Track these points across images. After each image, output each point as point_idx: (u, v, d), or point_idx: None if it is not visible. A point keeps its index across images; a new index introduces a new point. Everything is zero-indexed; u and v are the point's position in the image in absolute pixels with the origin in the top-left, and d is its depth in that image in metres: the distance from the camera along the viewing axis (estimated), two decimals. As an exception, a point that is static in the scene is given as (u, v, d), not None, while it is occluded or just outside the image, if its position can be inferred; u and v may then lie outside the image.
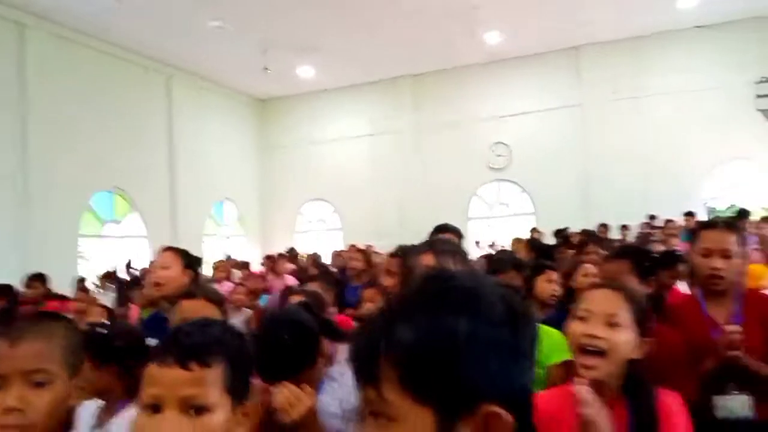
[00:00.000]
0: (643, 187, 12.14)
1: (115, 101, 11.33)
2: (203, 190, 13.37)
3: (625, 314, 1.65)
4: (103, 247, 11.40)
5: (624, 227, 10.92)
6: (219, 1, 9.85)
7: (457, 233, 3.69)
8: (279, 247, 13.00)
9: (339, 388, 1.94)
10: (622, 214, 11.21)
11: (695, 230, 2.60)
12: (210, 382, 1.02)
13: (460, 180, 13.81)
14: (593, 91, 12.87)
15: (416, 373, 0.65)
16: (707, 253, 2.36)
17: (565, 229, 9.80)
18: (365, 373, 0.67)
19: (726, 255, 2.34)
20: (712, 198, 12.04)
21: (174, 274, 2.82)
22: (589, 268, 3.16)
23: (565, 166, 12.99)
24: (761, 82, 11.74)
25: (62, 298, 6.68)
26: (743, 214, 8.59)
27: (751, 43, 11.72)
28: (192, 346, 1.03)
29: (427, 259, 1.64)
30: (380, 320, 0.69)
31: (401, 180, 14.23)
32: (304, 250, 12.95)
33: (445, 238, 1.76)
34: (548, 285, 3.09)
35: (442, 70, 13.90)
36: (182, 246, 3.10)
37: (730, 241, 2.36)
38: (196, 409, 0.99)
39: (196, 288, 2.17)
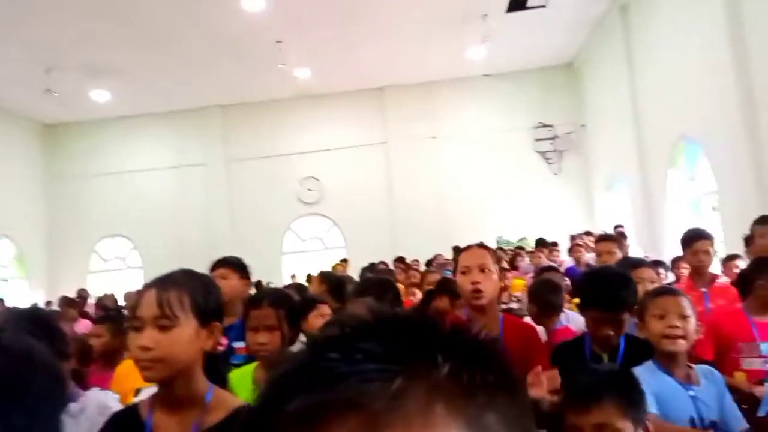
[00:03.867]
0: (442, 222, 12.98)
1: None
2: (-29, 225, 11.56)
3: None
4: None
5: (430, 261, 11.15)
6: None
7: (237, 265, 3.51)
8: (69, 290, 11.64)
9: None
10: (426, 248, 11.71)
11: (454, 257, 2.74)
12: None
13: (272, 214, 13.62)
14: (396, 131, 13.63)
15: None
16: (466, 270, 2.50)
17: (373, 265, 9.91)
18: None
19: (483, 269, 2.49)
20: (502, 231, 13.19)
21: None
22: (323, 308, 3.15)
23: (374, 202, 13.46)
24: (538, 127, 13.30)
25: None
26: (541, 243, 9.38)
27: (532, 91, 13.26)
28: None
29: (149, 296, 1.44)
30: None
31: (210, 214, 13.65)
32: (100, 291, 11.77)
33: (174, 272, 1.57)
34: (319, 320, 3.00)
35: (252, 102, 13.74)
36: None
37: (485, 256, 2.54)
38: None
39: None
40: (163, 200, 13.79)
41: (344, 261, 11.28)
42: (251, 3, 9.37)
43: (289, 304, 2.51)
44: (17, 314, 2.45)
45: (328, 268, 8.99)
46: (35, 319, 2.04)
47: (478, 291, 2.45)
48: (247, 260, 3.59)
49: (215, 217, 13.64)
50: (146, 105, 13.41)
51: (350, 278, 5.18)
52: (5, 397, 0.52)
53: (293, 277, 11.68)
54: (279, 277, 12.27)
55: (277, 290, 2.96)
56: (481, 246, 2.63)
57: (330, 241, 13.99)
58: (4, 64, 10.49)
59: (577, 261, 7.10)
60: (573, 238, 8.79)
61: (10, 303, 10.25)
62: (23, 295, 12.43)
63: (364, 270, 8.04)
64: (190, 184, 13.84)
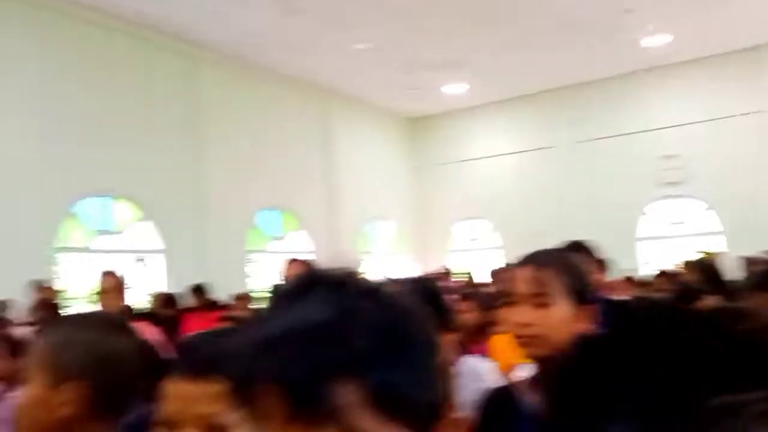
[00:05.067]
0: None
1: (279, 124, 12.18)
2: (359, 208, 13.84)
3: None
4: (270, 263, 12.17)
5: None
6: (363, 24, 10.18)
7: (588, 252, 3.32)
8: (434, 266, 13.00)
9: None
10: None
11: None
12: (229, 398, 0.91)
13: (624, 197, 12.81)
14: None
15: None
16: None
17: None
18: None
19: None
20: None
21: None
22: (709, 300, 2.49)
23: (752, 180, 11.48)
24: None
25: (224, 307, 7.25)
26: None
27: None
28: (202, 359, 0.93)
29: (525, 273, 1.43)
30: None
31: (560, 197, 13.55)
32: (459, 269, 12.77)
33: (547, 250, 1.52)
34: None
35: (601, 79, 13.08)
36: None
37: None
38: (218, 429, 0.90)
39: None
40: (515, 184, 14.24)
41: (707, 252, 9.68)
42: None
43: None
44: (409, 283, 2.67)
45: (697, 256, 7.94)
46: (425, 290, 2.09)
47: None
48: (600, 245, 3.38)
49: (566, 200, 13.48)
50: (495, 93, 13.98)
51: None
52: (398, 347, 0.55)
53: (647, 264, 10.80)
54: (634, 263, 11.52)
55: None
56: None
57: (695, 226, 12.49)
58: (378, 68, 12.14)
59: None
60: None
61: (394, 275, 11.92)
62: (403, 269, 14.33)
63: (750, 261, 6.84)
64: (540, 168, 13.98)
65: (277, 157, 12.01)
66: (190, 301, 7.33)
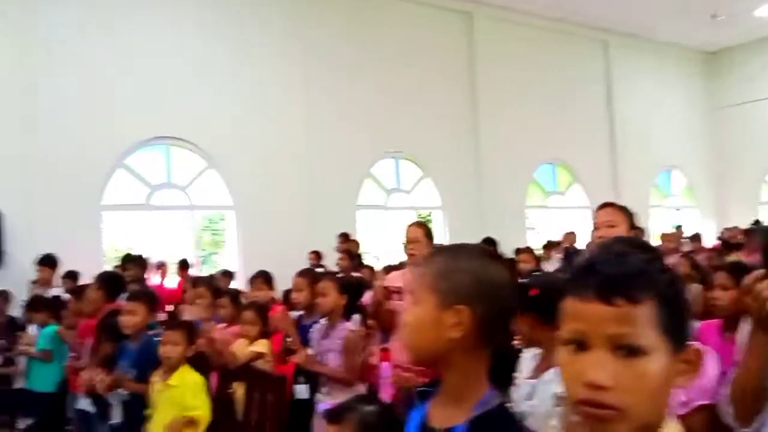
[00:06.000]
0: None
1: (555, 75, 11.69)
2: (646, 158, 12.73)
3: None
4: (548, 218, 11.92)
5: None
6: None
7: None
8: (737, 221, 11.36)
9: None
10: None
11: None
12: (640, 321, 0.86)
13: None
14: None
15: None
16: None
17: None
18: None
19: None
20: None
21: (622, 231, 2.70)
22: None
23: None
24: None
25: (509, 261, 7.34)
26: None
27: None
28: (613, 278, 0.87)
29: None
30: None
31: None
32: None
33: None
34: None
35: None
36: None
37: None
38: (627, 350, 0.85)
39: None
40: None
41: None
42: None
43: None
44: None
45: None
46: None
47: None
48: None
49: None
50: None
51: None
52: None
53: None
54: None
55: None
56: None
57: None
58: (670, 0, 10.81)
59: None
60: None
61: (686, 230, 10.73)
62: (694, 224, 12.81)
63: None
64: None
65: (554, 108, 11.55)
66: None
